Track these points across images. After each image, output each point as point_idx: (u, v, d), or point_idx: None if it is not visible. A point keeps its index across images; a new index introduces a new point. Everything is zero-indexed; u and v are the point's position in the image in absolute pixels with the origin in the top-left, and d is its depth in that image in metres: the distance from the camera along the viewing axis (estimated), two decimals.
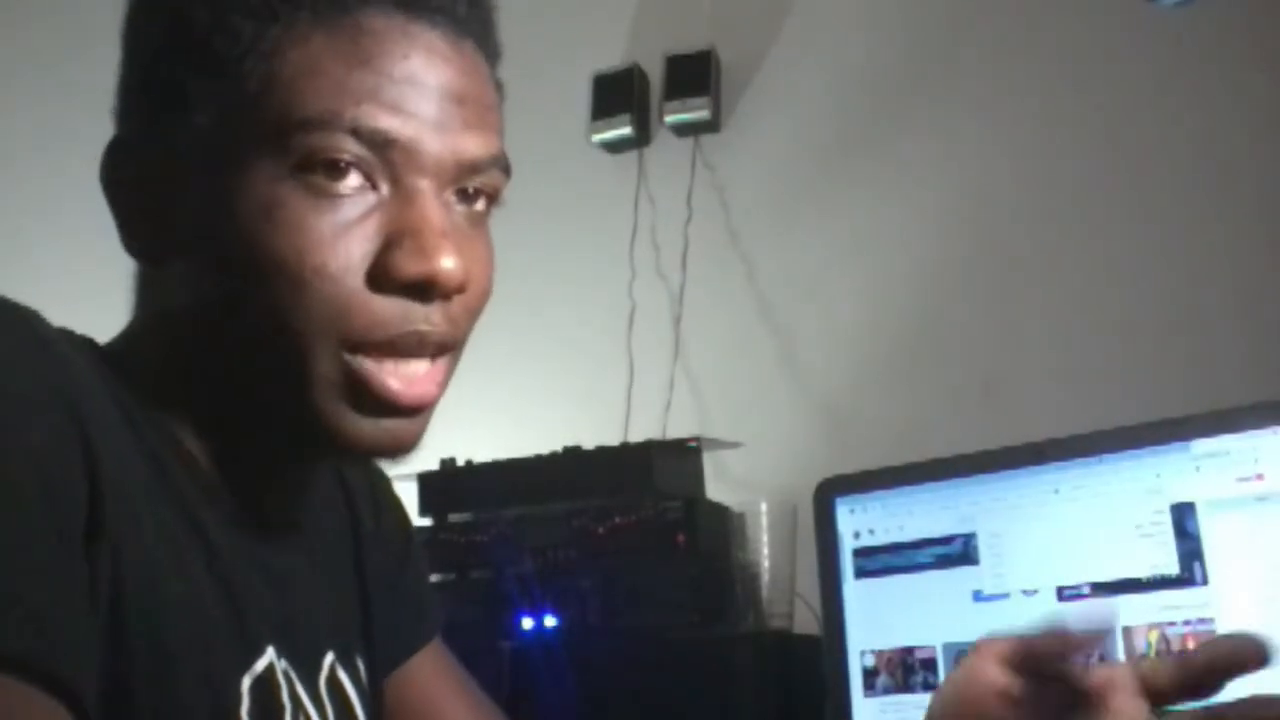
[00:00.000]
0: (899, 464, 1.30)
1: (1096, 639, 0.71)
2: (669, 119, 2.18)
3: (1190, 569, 1.11)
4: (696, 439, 1.70)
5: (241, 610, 0.67)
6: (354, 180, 0.63)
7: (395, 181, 0.64)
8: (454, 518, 1.68)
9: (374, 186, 0.64)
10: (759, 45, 2.18)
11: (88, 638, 0.55)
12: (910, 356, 1.95)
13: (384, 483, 0.90)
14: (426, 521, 1.68)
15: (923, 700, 1.21)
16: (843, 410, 1.99)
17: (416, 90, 0.64)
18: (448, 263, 0.63)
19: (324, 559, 0.79)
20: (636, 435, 1.97)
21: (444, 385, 0.68)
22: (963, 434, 1.37)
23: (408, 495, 1.65)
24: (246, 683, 0.65)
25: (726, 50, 2.19)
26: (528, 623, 1.55)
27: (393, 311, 0.64)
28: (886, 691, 1.24)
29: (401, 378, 0.65)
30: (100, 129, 0.70)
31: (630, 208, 2.20)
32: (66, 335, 0.64)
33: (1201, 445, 1.13)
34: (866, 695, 1.25)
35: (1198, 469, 1.13)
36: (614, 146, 2.24)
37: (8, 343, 0.57)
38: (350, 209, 0.63)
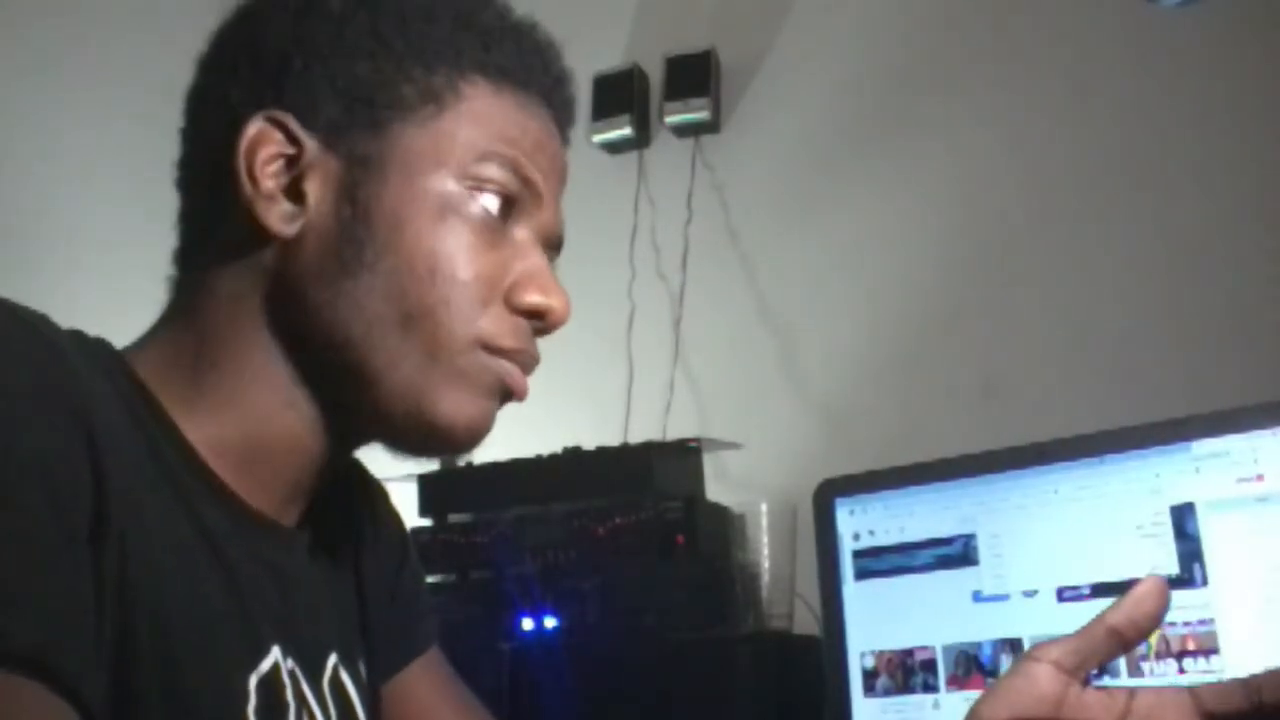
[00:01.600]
0: (899, 464, 1.30)
1: (1157, 616, 0.66)
2: (669, 119, 2.18)
3: (1190, 570, 1.11)
4: (696, 439, 1.70)
5: (248, 609, 0.68)
6: (504, 212, 0.74)
7: (521, 227, 0.76)
8: (454, 518, 1.68)
9: (511, 223, 0.75)
10: (759, 45, 2.18)
11: (92, 637, 0.56)
12: (910, 357, 1.95)
13: (382, 494, 0.92)
14: (427, 522, 1.68)
15: (923, 701, 1.22)
16: (843, 410, 1.99)
17: (553, 160, 0.78)
18: (562, 303, 0.76)
19: (327, 563, 0.80)
20: (636, 436, 1.97)
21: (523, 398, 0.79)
22: (963, 434, 1.37)
23: (408, 496, 1.66)
24: (253, 681, 0.66)
25: (726, 50, 2.19)
26: (528, 623, 1.55)
27: (516, 331, 0.75)
28: (886, 693, 1.23)
29: (516, 377, 0.77)
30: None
31: (630, 208, 2.20)
32: (76, 337, 0.65)
33: (1202, 446, 1.13)
34: (866, 696, 1.25)
35: (1198, 470, 1.13)
36: (614, 147, 2.24)
37: (12, 345, 0.58)
38: (497, 234, 0.74)
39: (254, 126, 0.71)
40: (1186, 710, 0.63)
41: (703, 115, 2.16)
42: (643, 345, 2.14)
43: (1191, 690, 0.64)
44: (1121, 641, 0.66)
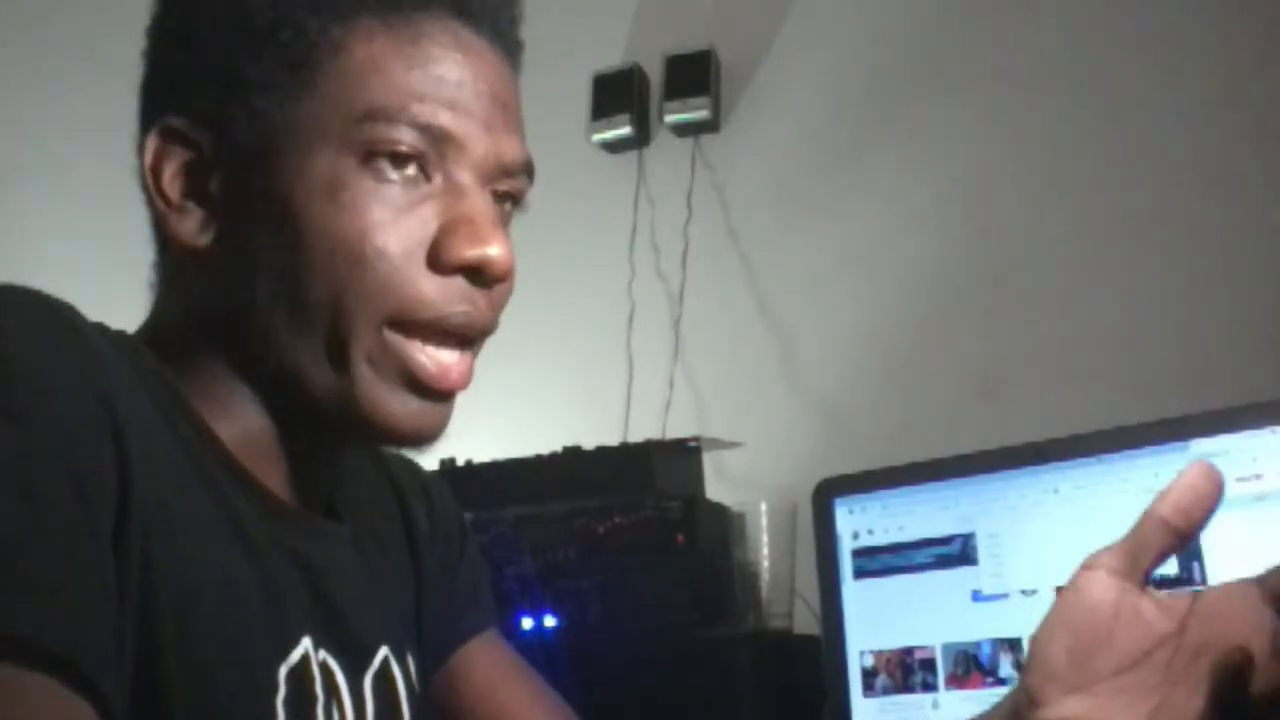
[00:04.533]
0: (898, 464, 1.30)
1: (1208, 501, 0.61)
2: (669, 119, 2.18)
3: (1189, 569, 1.11)
4: (696, 439, 1.70)
5: (277, 599, 0.67)
6: (411, 170, 0.68)
7: (446, 175, 0.69)
8: None
9: (427, 178, 0.69)
10: (759, 45, 2.18)
11: (113, 632, 0.56)
12: (910, 356, 1.95)
13: (438, 486, 0.91)
14: None
15: (922, 700, 1.22)
16: (843, 410, 1.99)
17: (469, 92, 0.69)
18: (500, 250, 0.69)
19: (375, 558, 0.80)
20: (636, 435, 1.97)
21: (470, 377, 0.72)
22: (962, 434, 1.37)
23: None
24: (283, 671, 0.66)
25: (726, 50, 2.19)
26: (528, 623, 1.55)
27: (445, 292, 0.68)
28: (886, 692, 1.24)
29: (436, 363, 0.69)
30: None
31: (630, 208, 2.20)
32: (101, 329, 0.65)
33: (1200, 445, 1.13)
34: (866, 695, 1.25)
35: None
36: (614, 146, 2.24)
37: (39, 334, 0.58)
38: (407, 196, 0.68)
39: (151, 142, 0.69)
40: (1254, 602, 0.59)
41: (702, 115, 2.16)
42: (642, 344, 2.14)
43: (1259, 579, 0.60)
44: (1174, 532, 0.62)
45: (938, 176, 2.00)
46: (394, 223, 0.67)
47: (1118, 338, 1.81)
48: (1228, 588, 0.61)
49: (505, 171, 0.72)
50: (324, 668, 0.70)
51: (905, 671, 1.23)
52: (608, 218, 2.20)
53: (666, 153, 2.21)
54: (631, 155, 2.24)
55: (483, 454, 1.70)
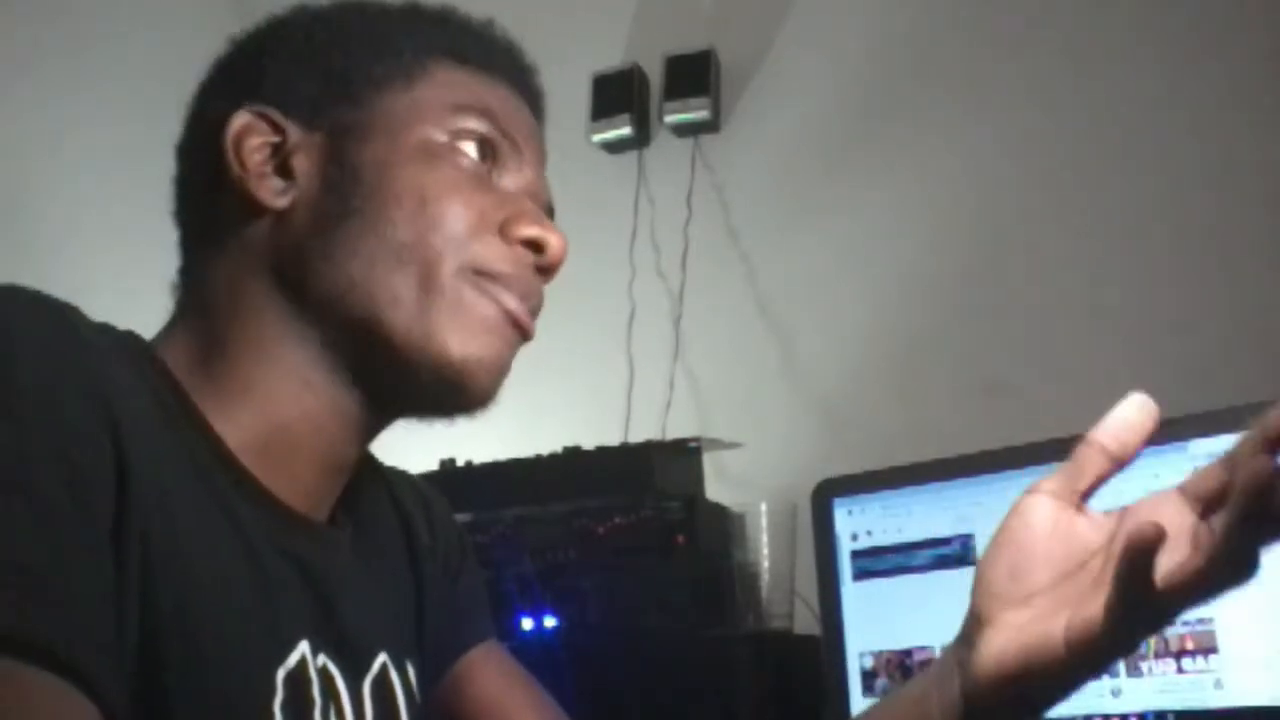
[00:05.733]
0: (898, 464, 1.30)
1: (1141, 430, 0.67)
2: (669, 119, 2.18)
3: None
4: (696, 439, 1.70)
5: (275, 602, 0.68)
6: (487, 164, 0.77)
7: (509, 180, 0.78)
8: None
9: (497, 176, 0.77)
10: (759, 45, 2.18)
11: (113, 632, 0.56)
12: (910, 357, 1.95)
13: (439, 500, 0.92)
14: None
15: None
16: (842, 410, 1.99)
17: (528, 127, 0.80)
18: (560, 238, 0.77)
19: (376, 566, 0.81)
20: (636, 435, 1.97)
21: (534, 332, 0.77)
22: (962, 434, 1.37)
23: None
24: (281, 675, 0.66)
25: (726, 50, 2.19)
26: (528, 623, 1.55)
27: (514, 257, 0.75)
28: (885, 692, 1.24)
29: (513, 303, 0.75)
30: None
31: (630, 208, 2.20)
32: (105, 329, 0.66)
33: (1199, 445, 1.13)
34: (865, 696, 1.25)
35: (1196, 469, 1.13)
36: (614, 147, 2.24)
37: (40, 336, 0.58)
38: (483, 181, 0.76)
39: (238, 119, 0.74)
40: (1178, 507, 0.64)
41: (702, 115, 2.16)
42: (643, 344, 2.14)
43: (1179, 487, 0.65)
44: (1110, 458, 0.68)
45: (938, 175, 2.00)
46: (473, 192, 0.74)
47: (1117, 337, 1.81)
48: (1153, 496, 0.66)
49: (544, 203, 0.80)
50: (323, 672, 0.70)
51: (905, 672, 1.23)
52: (608, 218, 2.20)
53: (666, 153, 2.21)
54: (631, 155, 2.24)
55: (483, 454, 1.70)
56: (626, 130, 2.21)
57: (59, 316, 0.60)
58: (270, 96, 0.75)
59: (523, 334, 0.76)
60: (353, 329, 0.72)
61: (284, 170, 0.74)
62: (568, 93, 2.25)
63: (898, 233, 2.01)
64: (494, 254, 0.74)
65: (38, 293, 0.61)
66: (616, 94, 2.23)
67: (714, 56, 2.18)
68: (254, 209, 0.74)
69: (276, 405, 0.72)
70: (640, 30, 2.28)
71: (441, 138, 0.75)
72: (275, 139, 0.74)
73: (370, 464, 0.84)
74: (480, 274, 0.74)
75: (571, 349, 2.17)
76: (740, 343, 2.10)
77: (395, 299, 0.72)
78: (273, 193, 0.74)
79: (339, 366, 0.73)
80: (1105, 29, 1.91)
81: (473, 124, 0.76)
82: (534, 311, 0.77)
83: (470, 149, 0.76)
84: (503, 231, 0.75)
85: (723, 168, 2.17)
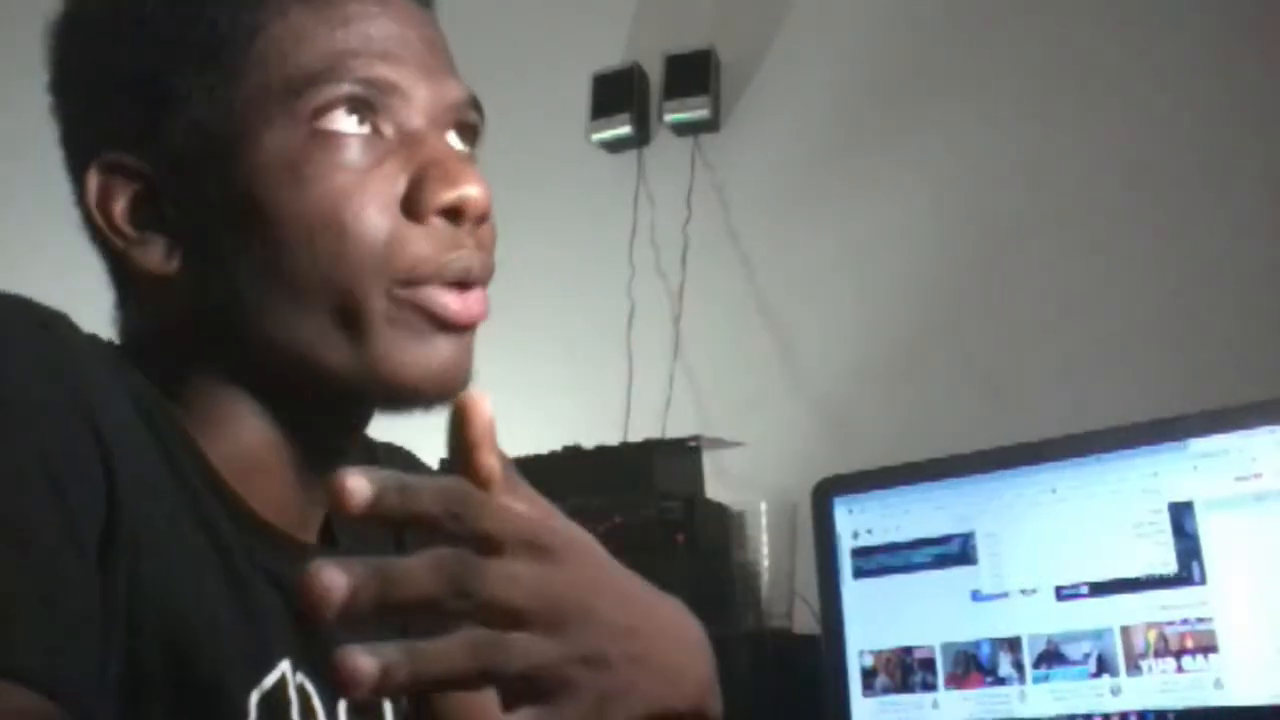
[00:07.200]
0: (898, 464, 1.30)
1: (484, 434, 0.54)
2: (669, 118, 2.18)
3: (1188, 568, 1.11)
4: (696, 438, 1.70)
5: (257, 623, 0.66)
6: (364, 129, 0.66)
7: (398, 127, 0.67)
8: None
9: (380, 134, 0.66)
10: (759, 45, 2.18)
11: (97, 655, 0.55)
12: (909, 356, 1.95)
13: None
14: None
15: (921, 700, 1.22)
16: (842, 410, 1.99)
17: (397, 41, 0.67)
18: (476, 188, 0.66)
19: None
20: (636, 435, 1.97)
21: (487, 307, 0.69)
22: (961, 434, 1.38)
23: None
24: (254, 698, 0.64)
25: (726, 50, 2.19)
26: None
27: (434, 242, 0.66)
28: (885, 691, 1.24)
29: (454, 298, 0.67)
30: None
31: (630, 207, 2.20)
32: (92, 340, 0.64)
33: (1199, 444, 1.13)
34: (865, 695, 1.25)
35: (1195, 468, 1.13)
36: (613, 146, 2.24)
37: (28, 349, 0.57)
38: (366, 156, 0.65)
39: (92, 179, 0.67)
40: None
41: (702, 114, 2.16)
42: (642, 343, 2.14)
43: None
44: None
45: (937, 176, 2.00)
46: (361, 185, 0.65)
47: (1117, 337, 1.81)
48: None
49: (454, 112, 0.70)
50: (300, 690, 0.68)
51: (905, 671, 1.23)
52: (607, 217, 2.20)
53: (666, 152, 2.21)
54: (631, 155, 2.24)
55: None
56: (626, 129, 2.21)
57: (46, 329, 0.58)
58: (109, 137, 0.67)
59: (473, 326, 0.69)
60: (293, 374, 0.67)
61: (160, 222, 0.66)
62: (567, 92, 2.25)
63: (897, 232, 2.01)
64: (411, 251, 0.65)
65: (27, 301, 0.59)
66: (616, 93, 2.22)
67: (714, 56, 2.18)
68: (147, 279, 0.67)
69: (239, 432, 0.68)
70: (640, 29, 2.28)
71: (300, 129, 0.64)
72: (138, 185, 0.66)
73: (366, 458, 0.83)
74: (406, 284, 0.65)
75: (571, 348, 2.17)
76: (740, 342, 2.10)
77: (322, 343, 0.65)
78: (160, 258, 0.67)
79: (291, 403, 0.69)
80: (1104, 29, 1.92)
81: (330, 90, 0.65)
82: (482, 280, 0.68)
83: (339, 120, 0.65)
84: (410, 212, 0.65)
85: (722, 167, 2.17)
